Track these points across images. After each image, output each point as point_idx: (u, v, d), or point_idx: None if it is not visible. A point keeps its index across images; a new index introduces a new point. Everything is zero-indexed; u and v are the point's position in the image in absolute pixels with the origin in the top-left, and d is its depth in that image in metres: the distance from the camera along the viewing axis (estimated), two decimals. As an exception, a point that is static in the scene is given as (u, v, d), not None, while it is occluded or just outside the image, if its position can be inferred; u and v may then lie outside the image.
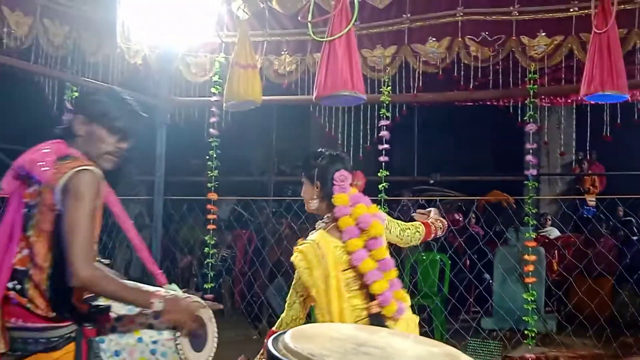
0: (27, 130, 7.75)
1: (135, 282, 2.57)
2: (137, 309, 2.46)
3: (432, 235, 3.41)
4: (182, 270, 8.39)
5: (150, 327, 2.47)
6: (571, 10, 4.93)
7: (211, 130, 5.86)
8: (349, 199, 2.91)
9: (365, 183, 3.07)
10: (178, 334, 2.44)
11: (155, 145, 5.98)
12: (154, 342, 2.45)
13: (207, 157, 5.94)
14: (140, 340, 2.46)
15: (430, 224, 3.39)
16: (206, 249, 5.95)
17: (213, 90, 5.83)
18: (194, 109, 6.27)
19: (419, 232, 3.31)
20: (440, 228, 3.44)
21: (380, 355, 1.90)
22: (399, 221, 3.28)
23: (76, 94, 5.48)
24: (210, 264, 5.93)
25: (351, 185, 2.97)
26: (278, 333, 2.05)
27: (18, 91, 7.16)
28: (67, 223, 2.25)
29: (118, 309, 2.49)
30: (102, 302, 2.46)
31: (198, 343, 2.53)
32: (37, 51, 5.15)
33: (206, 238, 5.94)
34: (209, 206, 5.90)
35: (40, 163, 2.32)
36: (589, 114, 5.90)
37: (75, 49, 5.41)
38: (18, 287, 2.30)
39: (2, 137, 7.60)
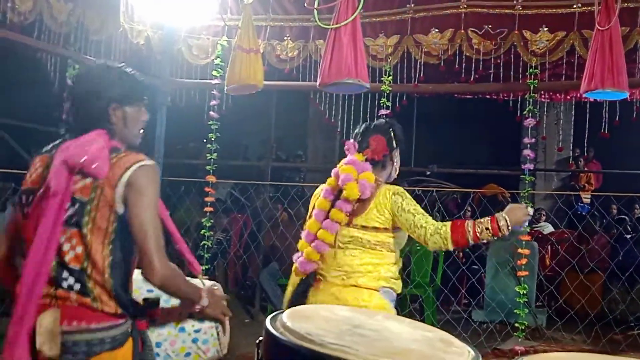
0: (28, 106, 7.81)
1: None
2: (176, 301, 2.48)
3: (466, 240, 2.92)
4: (177, 252, 8.40)
5: (191, 317, 2.52)
6: (574, 6, 4.93)
7: (211, 113, 5.86)
8: (345, 162, 3.20)
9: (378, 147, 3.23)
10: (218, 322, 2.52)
11: (155, 126, 5.99)
12: (197, 331, 2.49)
13: (205, 140, 5.95)
14: (182, 330, 2.48)
15: (465, 225, 2.93)
16: (202, 231, 5.97)
17: (214, 73, 5.83)
18: (195, 91, 6.27)
19: (439, 234, 2.92)
20: (487, 231, 2.91)
21: (375, 337, 1.93)
22: (422, 216, 2.99)
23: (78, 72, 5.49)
24: (205, 246, 5.95)
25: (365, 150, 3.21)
26: (275, 313, 2.10)
27: (19, 67, 7.17)
28: (137, 222, 2.20)
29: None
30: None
31: None
32: (40, 27, 5.14)
33: (203, 220, 5.96)
34: (207, 189, 5.92)
35: (96, 158, 2.21)
36: (587, 111, 5.92)
37: (78, 27, 5.39)
38: (77, 286, 2.21)
39: (3, 113, 7.62)
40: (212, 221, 6.00)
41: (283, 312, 2.07)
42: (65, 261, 2.22)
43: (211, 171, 5.89)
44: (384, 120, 3.50)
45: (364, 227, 3.09)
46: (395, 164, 3.30)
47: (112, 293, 2.21)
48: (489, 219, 2.95)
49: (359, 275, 3.06)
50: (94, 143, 2.24)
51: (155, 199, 2.25)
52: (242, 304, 7.80)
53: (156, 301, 2.41)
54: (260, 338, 2.04)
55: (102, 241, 2.22)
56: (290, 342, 1.84)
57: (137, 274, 2.38)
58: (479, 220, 2.97)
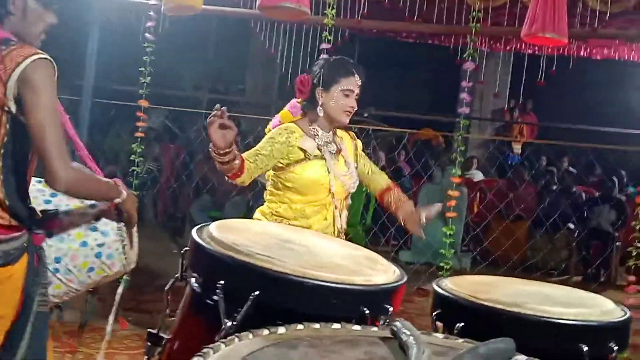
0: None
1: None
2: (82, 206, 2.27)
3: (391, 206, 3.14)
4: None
5: (97, 219, 2.31)
6: (520, -50, 4.92)
7: (147, 35, 5.62)
8: None
9: (300, 85, 2.95)
10: (123, 235, 2.34)
11: (86, 45, 5.71)
12: (100, 245, 2.29)
13: (141, 69, 5.71)
14: (84, 244, 2.28)
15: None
16: (132, 157, 5.78)
17: (151, -7, 5.58)
18: (131, 11, 6.00)
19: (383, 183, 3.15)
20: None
21: (303, 251, 1.92)
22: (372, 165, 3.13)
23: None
24: (135, 172, 5.77)
25: None
26: (202, 224, 2.05)
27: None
28: (35, 124, 1.96)
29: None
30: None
31: None
32: None
33: (133, 146, 5.76)
34: (139, 113, 5.71)
35: None
36: (525, 63, 5.97)
37: None
38: None
39: None
40: (142, 147, 5.81)
41: (209, 224, 2.03)
42: None
43: (144, 95, 5.67)
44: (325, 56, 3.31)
45: None
46: (320, 104, 2.90)
47: (5, 203, 2.01)
48: None
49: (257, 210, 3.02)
50: None
51: (54, 96, 2.00)
52: (170, 235, 7.73)
53: (54, 213, 2.22)
54: (186, 248, 1.99)
55: None
56: (216, 251, 1.80)
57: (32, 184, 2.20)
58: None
